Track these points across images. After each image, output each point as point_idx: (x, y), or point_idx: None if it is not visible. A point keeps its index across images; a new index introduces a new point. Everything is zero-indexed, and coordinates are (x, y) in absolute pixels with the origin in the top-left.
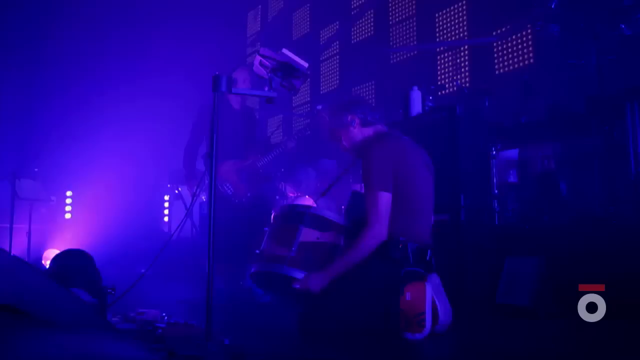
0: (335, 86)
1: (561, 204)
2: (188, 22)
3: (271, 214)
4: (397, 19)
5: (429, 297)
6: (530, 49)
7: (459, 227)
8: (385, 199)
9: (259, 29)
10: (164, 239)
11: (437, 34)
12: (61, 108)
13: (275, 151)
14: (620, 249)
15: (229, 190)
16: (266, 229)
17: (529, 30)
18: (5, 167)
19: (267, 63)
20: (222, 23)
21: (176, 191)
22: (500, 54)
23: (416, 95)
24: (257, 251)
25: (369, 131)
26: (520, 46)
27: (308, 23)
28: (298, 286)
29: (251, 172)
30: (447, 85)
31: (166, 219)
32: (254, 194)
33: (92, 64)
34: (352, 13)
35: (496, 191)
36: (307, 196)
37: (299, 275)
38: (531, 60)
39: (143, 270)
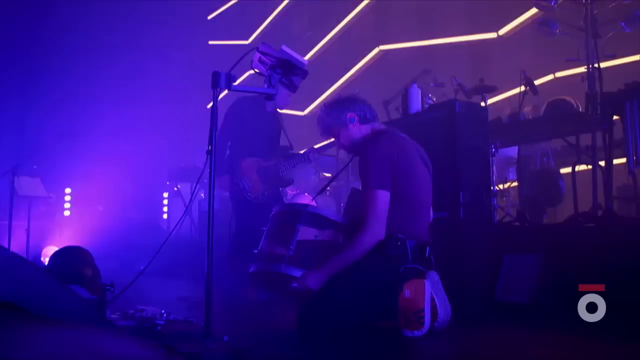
0: None
1: (560, 202)
2: (194, 20)
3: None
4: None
5: (428, 294)
6: (531, 46)
7: (458, 224)
8: (383, 197)
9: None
10: (163, 236)
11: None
12: (60, 105)
13: (297, 159)
14: (619, 246)
15: (246, 186)
16: (264, 228)
17: (530, 28)
18: (4, 164)
19: (266, 60)
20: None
21: (175, 188)
22: (500, 51)
23: (415, 93)
24: (255, 251)
25: (366, 129)
26: (520, 43)
27: None
28: (296, 285)
29: (272, 174)
30: (446, 83)
31: (165, 216)
32: (270, 195)
33: (92, 61)
34: None
35: (495, 189)
36: (305, 193)
37: (298, 274)
38: (531, 58)
39: (142, 267)
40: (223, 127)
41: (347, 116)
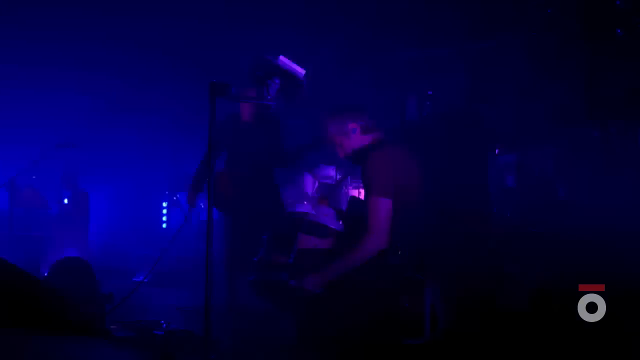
0: None
1: (560, 208)
2: (192, 28)
3: (269, 223)
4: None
5: (428, 303)
6: (527, 53)
7: (458, 231)
8: (386, 205)
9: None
10: (162, 245)
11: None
12: (59, 115)
13: (274, 163)
14: (620, 251)
15: (218, 197)
16: (264, 236)
17: (526, 35)
18: (3, 175)
19: (265, 70)
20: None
21: (174, 198)
22: (497, 58)
23: (413, 101)
24: (255, 259)
25: (368, 138)
26: (517, 50)
27: None
28: (293, 283)
29: (244, 182)
30: (444, 90)
31: (164, 225)
32: (246, 204)
33: (90, 71)
34: None
35: (495, 196)
36: (305, 202)
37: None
38: (528, 64)
39: (141, 278)
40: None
41: (349, 127)
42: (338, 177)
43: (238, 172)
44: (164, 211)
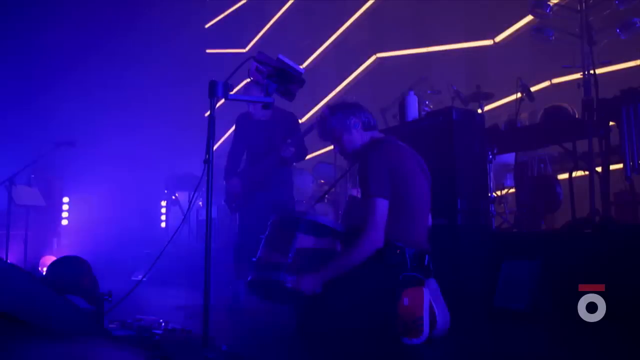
0: None
1: (557, 208)
2: (191, 29)
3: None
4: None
5: (427, 302)
6: (527, 53)
7: (456, 231)
8: (382, 205)
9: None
10: (161, 244)
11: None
12: (58, 114)
13: (270, 159)
14: (617, 252)
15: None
16: (262, 236)
17: (526, 35)
18: (2, 173)
19: (263, 69)
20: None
21: (173, 197)
22: (496, 58)
23: (412, 100)
24: (254, 259)
25: (367, 137)
26: (516, 50)
27: None
28: (290, 285)
29: (248, 181)
30: (443, 90)
31: (163, 224)
32: (248, 201)
33: (89, 70)
34: None
35: (493, 195)
36: (304, 202)
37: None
38: (527, 64)
39: (140, 276)
40: (233, 141)
41: (352, 121)
42: (337, 177)
43: (250, 170)
44: (163, 210)
